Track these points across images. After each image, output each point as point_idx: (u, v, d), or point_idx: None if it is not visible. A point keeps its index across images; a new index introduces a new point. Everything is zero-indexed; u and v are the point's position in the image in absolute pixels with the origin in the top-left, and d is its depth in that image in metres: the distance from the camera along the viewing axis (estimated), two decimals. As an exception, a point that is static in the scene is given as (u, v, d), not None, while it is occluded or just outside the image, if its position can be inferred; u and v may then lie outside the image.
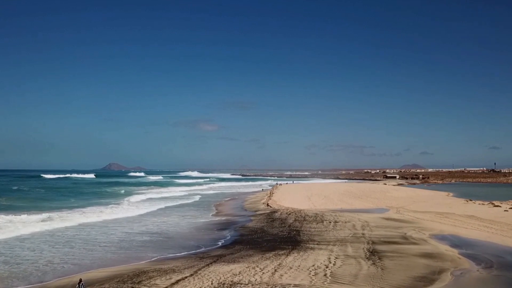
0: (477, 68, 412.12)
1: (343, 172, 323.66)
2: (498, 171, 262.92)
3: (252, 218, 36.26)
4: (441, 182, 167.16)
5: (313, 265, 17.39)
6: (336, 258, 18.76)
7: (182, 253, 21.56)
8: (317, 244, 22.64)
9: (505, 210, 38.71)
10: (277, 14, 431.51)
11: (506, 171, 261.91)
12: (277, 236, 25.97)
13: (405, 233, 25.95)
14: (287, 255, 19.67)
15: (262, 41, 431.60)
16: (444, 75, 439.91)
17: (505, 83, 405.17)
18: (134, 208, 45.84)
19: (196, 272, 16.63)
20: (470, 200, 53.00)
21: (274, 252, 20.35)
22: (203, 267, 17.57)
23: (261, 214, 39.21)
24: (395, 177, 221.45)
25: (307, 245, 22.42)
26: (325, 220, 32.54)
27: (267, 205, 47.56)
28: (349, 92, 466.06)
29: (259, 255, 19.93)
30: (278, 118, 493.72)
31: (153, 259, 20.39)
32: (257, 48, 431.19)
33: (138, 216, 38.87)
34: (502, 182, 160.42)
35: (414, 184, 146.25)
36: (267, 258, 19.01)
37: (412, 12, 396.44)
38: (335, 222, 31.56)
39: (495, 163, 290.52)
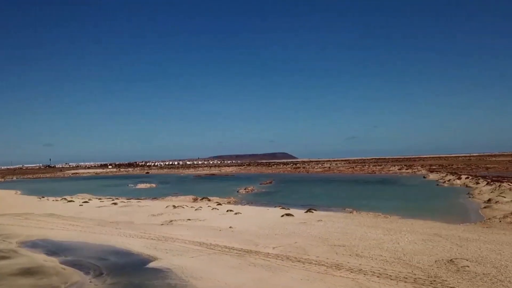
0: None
1: None
2: (54, 166, 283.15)
3: None
4: (2, 180, 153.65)
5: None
6: None
7: None
8: None
9: (80, 205, 42.44)
10: None
11: (60, 166, 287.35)
12: None
13: (-9, 245, 23.36)
14: None
15: None
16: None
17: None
18: None
19: None
20: (43, 197, 54.09)
21: None
22: None
23: None
24: None
25: None
26: None
27: None
28: None
29: None
30: None
31: None
32: None
33: None
34: (59, 177, 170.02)
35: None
36: None
37: None
38: None
39: (50, 159, 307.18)
